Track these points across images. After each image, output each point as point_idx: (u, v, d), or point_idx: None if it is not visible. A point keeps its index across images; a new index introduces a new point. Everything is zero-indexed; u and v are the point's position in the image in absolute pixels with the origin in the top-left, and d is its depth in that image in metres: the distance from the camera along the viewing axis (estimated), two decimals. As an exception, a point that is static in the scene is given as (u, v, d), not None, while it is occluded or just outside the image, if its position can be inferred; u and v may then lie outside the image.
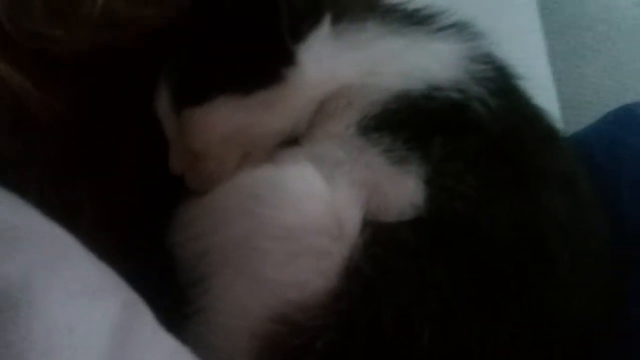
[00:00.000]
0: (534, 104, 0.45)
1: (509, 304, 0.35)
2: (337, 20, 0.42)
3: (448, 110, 0.40)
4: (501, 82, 0.43)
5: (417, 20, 0.46)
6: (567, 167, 0.42)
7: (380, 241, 0.36)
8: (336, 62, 0.40)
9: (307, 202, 0.37)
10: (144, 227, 0.44)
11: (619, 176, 0.47)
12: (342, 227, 0.36)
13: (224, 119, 0.40)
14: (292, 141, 0.42)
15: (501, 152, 0.40)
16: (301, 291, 0.35)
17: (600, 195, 0.44)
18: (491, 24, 0.47)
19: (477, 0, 0.60)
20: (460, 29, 0.45)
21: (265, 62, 0.39)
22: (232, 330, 0.36)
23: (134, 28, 0.38)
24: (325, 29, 0.41)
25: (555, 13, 0.72)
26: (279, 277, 0.35)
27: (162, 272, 0.42)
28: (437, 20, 0.46)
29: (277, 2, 0.37)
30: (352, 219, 0.36)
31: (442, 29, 0.45)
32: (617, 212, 0.44)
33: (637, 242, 0.42)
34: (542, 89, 0.61)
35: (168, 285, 0.41)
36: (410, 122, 0.40)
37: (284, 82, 0.39)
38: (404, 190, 0.37)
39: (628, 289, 0.41)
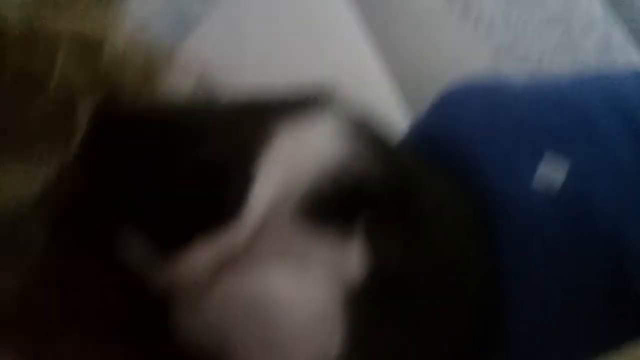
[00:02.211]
0: (406, 149, 0.60)
1: None
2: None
3: (357, 188, 0.52)
4: (378, 143, 0.57)
5: (292, 108, 0.56)
6: (446, 196, 0.58)
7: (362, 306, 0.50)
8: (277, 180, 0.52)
9: (296, 303, 0.50)
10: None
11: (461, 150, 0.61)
12: (329, 308, 0.50)
13: (203, 256, 0.51)
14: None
15: (406, 206, 0.54)
16: None
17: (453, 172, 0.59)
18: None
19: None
20: (327, 105, 0.56)
21: (227, 209, 0.50)
22: None
23: None
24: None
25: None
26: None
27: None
28: (307, 103, 0.56)
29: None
30: (335, 299, 0.50)
31: (315, 113, 0.56)
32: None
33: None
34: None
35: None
36: (339, 206, 0.52)
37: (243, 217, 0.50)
38: (356, 261, 0.51)
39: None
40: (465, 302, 0.55)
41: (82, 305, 0.49)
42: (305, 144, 0.54)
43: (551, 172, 0.59)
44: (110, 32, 0.53)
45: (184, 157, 0.49)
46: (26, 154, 0.45)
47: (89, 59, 0.50)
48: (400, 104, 0.73)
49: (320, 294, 0.51)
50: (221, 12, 0.67)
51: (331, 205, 0.52)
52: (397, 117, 0.65)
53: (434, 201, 0.57)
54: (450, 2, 0.88)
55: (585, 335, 0.58)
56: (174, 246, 0.50)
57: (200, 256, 0.51)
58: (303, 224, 0.52)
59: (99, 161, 0.50)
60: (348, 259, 0.51)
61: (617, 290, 0.57)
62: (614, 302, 0.57)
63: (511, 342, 0.57)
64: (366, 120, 0.58)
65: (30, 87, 0.45)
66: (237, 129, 0.52)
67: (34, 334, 0.45)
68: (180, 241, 0.50)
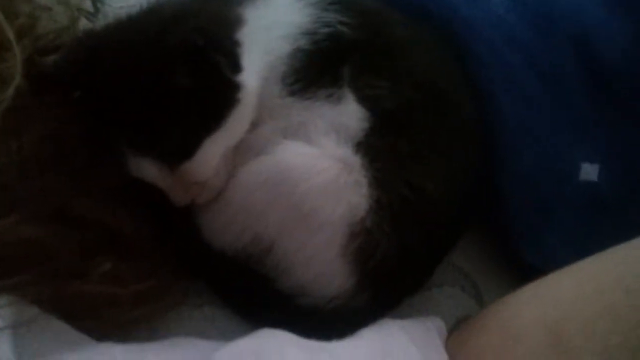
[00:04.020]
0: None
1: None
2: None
3: (331, 45, 0.53)
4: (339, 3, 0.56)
5: None
6: (410, 30, 0.59)
7: (372, 151, 0.51)
8: (255, 64, 0.52)
9: (315, 165, 0.50)
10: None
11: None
12: (345, 161, 0.51)
13: (216, 152, 0.51)
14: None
15: (378, 49, 0.55)
16: (353, 213, 0.51)
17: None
18: None
19: None
20: None
21: (222, 98, 0.50)
22: (322, 264, 0.52)
23: None
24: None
25: None
26: (332, 217, 0.50)
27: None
28: None
29: (214, 57, 0.48)
30: (347, 153, 0.51)
31: None
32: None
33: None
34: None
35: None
36: (319, 68, 0.53)
37: (240, 102, 0.51)
38: (351, 113, 0.53)
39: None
40: (459, 116, 0.57)
41: (105, 233, 0.49)
42: (272, 12, 0.54)
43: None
44: None
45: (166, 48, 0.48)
46: None
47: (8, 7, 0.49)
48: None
49: (331, 152, 0.52)
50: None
51: (313, 64, 0.53)
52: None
53: (406, 36, 0.58)
54: None
55: (569, 113, 0.61)
56: (183, 154, 0.50)
57: (212, 152, 0.51)
58: (293, 93, 0.53)
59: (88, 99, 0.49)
60: (345, 112, 0.53)
61: (588, 65, 0.60)
62: (588, 78, 0.60)
63: (505, 133, 0.60)
64: None
65: None
66: (205, 10, 0.51)
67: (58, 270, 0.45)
68: (189, 147, 0.50)
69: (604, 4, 0.61)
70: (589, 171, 0.59)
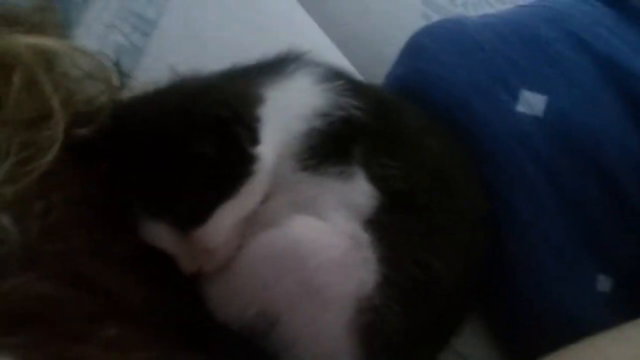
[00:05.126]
0: (377, 87, 0.63)
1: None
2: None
3: (344, 127, 0.56)
4: (351, 85, 0.60)
5: (270, 69, 0.59)
6: (423, 120, 0.62)
7: (381, 228, 0.53)
8: (272, 140, 0.54)
9: (325, 240, 0.52)
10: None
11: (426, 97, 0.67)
12: (354, 238, 0.52)
13: (228, 221, 0.52)
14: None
15: (391, 133, 0.58)
16: (362, 289, 0.51)
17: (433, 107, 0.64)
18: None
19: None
20: (300, 63, 0.60)
21: (238, 168, 0.52)
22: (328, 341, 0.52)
23: None
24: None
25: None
26: (341, 293, 0.51)
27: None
28: (282, 64, 0.60)
29: (236, 129, 0.50)
30: (356, 229, 0.52)
31: (291, 70, 0.59)
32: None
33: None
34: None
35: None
36: (332, 147, 0.55)
37: (255, 173, 0.52)
38: (361, 191, 0.54)
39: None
40: (468, 203, 0.59)
41: (113, 299, 0.49)
42: (291, 94, 0.57)
43: (533, 100, 0.65)
44: (69, 48, 0.55)
45: (188, 122, 0.50)
46: None
47: (51, 72, 0.51)
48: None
49: (341, 228, 0.53)
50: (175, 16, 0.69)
51: (327, 144, 0.55)
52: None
53: (419, 125, 0.61)
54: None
55: (587, 228, 0.62)
56: (196, 220, 0.52)
57: (224, 220, 0.52)
58: (306, 169, 0.55)
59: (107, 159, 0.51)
60: (355, 189, 0.54)
61: (607, 186, 0.62)
62: (606, 198, 0.62)
63: (514, 242, 0.62)
64: (338, 70, 0.63)
65: None
66: (229, 87, 0.54)
67: (64, 332, 0.44)
68: (202, 213, 0.52)
69: (624, 127, 0.63)
70: (604, 283, 0.61)
